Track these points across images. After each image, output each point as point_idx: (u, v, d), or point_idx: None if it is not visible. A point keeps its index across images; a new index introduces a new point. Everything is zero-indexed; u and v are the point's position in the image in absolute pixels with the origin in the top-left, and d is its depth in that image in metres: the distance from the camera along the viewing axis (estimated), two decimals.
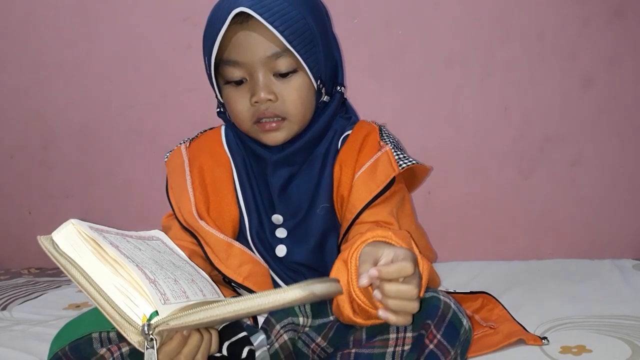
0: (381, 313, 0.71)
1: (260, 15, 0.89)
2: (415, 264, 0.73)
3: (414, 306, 0.71)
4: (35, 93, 1.61)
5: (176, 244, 0.89)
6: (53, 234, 0.75)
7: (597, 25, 1.38)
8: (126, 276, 0.70)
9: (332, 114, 1.02)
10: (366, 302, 0.75)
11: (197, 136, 1.11)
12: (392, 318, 0.71)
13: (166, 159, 1.09)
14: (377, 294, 0.71)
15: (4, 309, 1.29)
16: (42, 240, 0.75)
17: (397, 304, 0.70)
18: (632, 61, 1.38)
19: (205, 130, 1.12)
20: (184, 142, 1.09)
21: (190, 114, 1.50)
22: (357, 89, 1.40)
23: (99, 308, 0.70)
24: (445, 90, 1.44)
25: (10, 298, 1.36)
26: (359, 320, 0.78)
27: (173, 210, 1.02)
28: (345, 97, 1.07)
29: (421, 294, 0.77)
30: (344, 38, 1.38)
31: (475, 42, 1.41)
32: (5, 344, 1.07)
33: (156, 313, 0.69)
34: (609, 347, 0.96)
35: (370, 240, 0.79)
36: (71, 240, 0.73)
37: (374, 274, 0.70)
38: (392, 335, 0.78)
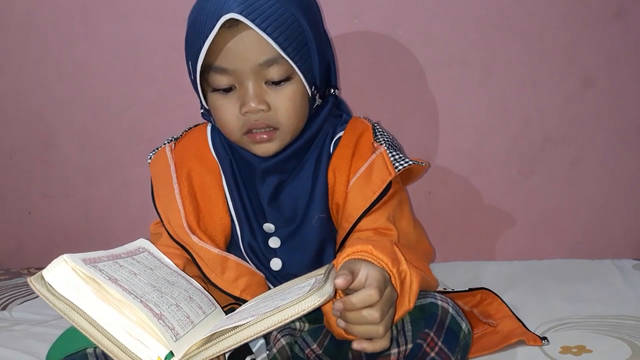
0: (356, 345, 0.71)
1: (252, 20, 0.83)
2: (387, 284, 0.72)
3: (378, 330, 0.70)
4: (35, 93, 1.61)
5: (170, 252, 0.87)
6: (44, 273, 0.67)
7: (597, 25, 1.38)
8: (133, 317, 0.67)
9: (324, 119, 0.97)
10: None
11: (182, 135, 1.06)
12: (368, 347, 0.71)
13: (150, 160, 1.04)
14: (340, 322, 0.71)
15: (4, 309, 1.29)
16: (34, 282, 0.67)
17: (361, 329, 0.70)
18: (632, 61, 1.38)
19: (190, 128, 1.07)
20: (169, 143, 1.04)
21: (190, 114, 1.49)
22: (357, 89, 1.40)
23: (110, 355, 0.66)
24: (445, 90, 1.44)
25: (10, 298, 1.36)
26: (351, 337, 0.76)
27: (161, 220, 0.98)
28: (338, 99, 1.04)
29: (400, 310, 0.77)
30: (344, 38, 1.39)
31: (475, 42, 1.41)
32: (5, 344, 1.06)
33: (171, 354, 0.67)
34: (609, 347, 0.96)
35: (350, 257, 0.77)
36: (67, 279, 0.67)
37: (340, 306, 0.70)
38: (394, 351, 0.77)
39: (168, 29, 1.52)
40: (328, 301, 0.66)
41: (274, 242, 0.99)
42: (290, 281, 0.82)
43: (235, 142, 0.94)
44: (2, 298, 1.36)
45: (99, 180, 1.62)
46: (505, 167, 1.45)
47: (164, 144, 1.05)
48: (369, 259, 0.76)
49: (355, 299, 0.69)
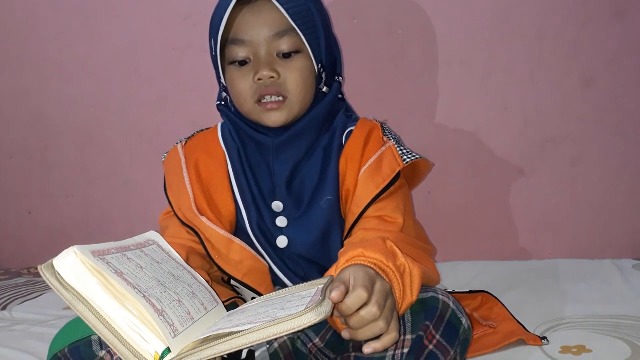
0: (366, 350, 0.72)
1: None
2: (375, 279, 0.73)
3: (380, 325, 0.71)
4: (35, 93, 1.61)
5: (175, 242, 0.89)
6: (55, 262, 0.70)
7: (597, 25, 1.38)
8: (135, 311, 0.69)
9: (331, 101, 1.04)
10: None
11: (193, 135, 1.12)
12: (378, 346, 0.71)
13: (163, 159, 1.10)
14: (344, 334, 0.72)
15: (4, 309, 1.29)
16: (44, 271, 0.69)
17: (364, 332, 0.71)
18: (632, 61, 1.38)
19: (202, 130, 1.13)
20: (180, 142, 1.10)
21: (190, 114, 1.50)
22: (357, 89, 1.40)
23: (111, 346, 0.68)
24: (445, 90, 1.44)
25: (10, 298, 1.36)
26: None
27: (172, 208, 1.03)
28: (342, 90, 1.09)
29: (401, 306, 0.77)
30: (344, 38, 1.38)
31: (475, 42, 1.41)
32: (5, 344, 1.07)
33: (168, 350, 0.68)
34: (609, 347, 0.96)
35: (344, 265, 0.78)
36: (75, 270, 0.69)
37: (338, 315, 0.71)
38: None
39: (168, 29, 1.52)
40: (325, 319, 0.67)
41: (282, 222, 1.02)
42: (292, 287, 0.83)
43: (248, 112, 1.01)
44: (2, 298, 1.36)
45: (99, 180, 1.62)
46: (505, 167, 1.45)
47: (177, 143, 1.10)
48: (362, 262, 0.77)
49: (348, 302, 0.70)
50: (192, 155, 1.06)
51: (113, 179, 1.61)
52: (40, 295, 1.37)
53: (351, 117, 1.08)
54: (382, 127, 1.05)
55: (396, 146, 1.01)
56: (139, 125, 1.57)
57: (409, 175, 1.07)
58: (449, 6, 1.41)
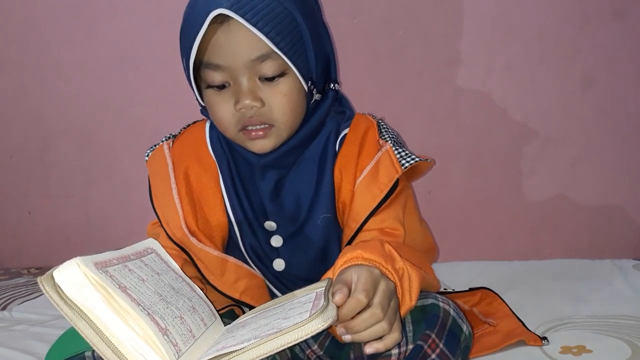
0: (368, 349, 0.70)
1: (242, 16, 0.81)
2: (380, 279, 0.71)
3: (383, 327, 0.69)
4: (35, 93, 1.61)
5: (168, 252, 0.86)
6: (55, 273, 0.65)
7: (597, 25, 1.38)
8: (138, 329, 0.66)
9: (324, 114, 0.95)
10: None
11: (180, 132, 1.04)
12: (380, 346, 0.70)
13: (147, 158, 1.02)
14: (346, 337, 0.70)
15: (4, 309, 1.29)
16: (44, 284, 0.65)
17: (367, 333, 0.69)
18: (632, 61, 1.38)
19: (189, 125, 1.05)
20: (167, 140, 1.02)
21: (191, 114, 1.49)
22: (357, 89, 1.40)
23: None
24: (445, 90, 1.44)
25: (10, 298, 1.36)
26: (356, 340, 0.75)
27: (160, 221, 0.96)
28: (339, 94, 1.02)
29: (402, 309, 0.76)
30: (344, 38, 1.39)
31: (475, 42, 1.41)
32: (5, 344, 1.06)
33: None
34: (609, 347, 0.96)
35: (342, 267, 0.76)
36: (77, 284, 0.65)
37: (337, 324, 0.69)
38: (394, 351, 0.76)
39: (168, 29, 1.51)
40: (332, 324, 0.65)
41: (276, 241, 0.96)
42: (289, 294, 0.82)
43: (231, 138, 0.92)
44: (2, 298, 1.36)
45: (99, 180, 1.62)
46: (505, 167, 1.45)
47: (162, 141, 1.03)
48: (361, 263, 0.75)
49: (346, 309, 0.68)
50: (181, 161, 0.98)
51: (113, 179, 1.61)
52: (40, 295, 1.37)
53: (344, 114, 0.98)
54: (379, 125, 0.97)
55: (393, 148, 0.93)
56: (139, 125, 1.57)
57: (408, 173, 0.98)
58: (449, 6, 1.41)
